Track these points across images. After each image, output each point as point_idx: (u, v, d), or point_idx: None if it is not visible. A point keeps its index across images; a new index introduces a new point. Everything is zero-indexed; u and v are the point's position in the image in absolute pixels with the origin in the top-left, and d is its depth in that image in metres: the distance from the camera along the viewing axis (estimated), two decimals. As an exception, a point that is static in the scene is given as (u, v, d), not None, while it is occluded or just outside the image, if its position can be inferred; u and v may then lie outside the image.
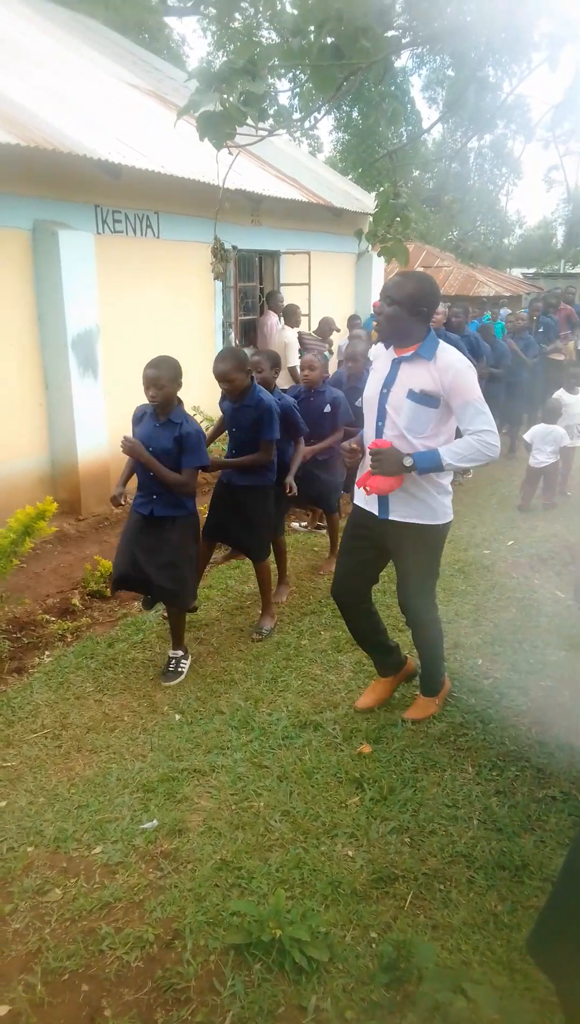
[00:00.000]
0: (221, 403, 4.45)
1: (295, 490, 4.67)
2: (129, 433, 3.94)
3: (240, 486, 4.40)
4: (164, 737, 3.58)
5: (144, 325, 7.81)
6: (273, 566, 4.99)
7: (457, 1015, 1.26)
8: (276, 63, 2.79)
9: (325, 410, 5.30)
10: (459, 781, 3.21)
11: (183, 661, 4.19)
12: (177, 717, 3.76)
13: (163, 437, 3.84)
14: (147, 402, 3.86)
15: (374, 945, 2.39)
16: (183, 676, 4.12)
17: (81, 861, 2.80)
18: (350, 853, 2.81)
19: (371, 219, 3.73)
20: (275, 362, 4.69)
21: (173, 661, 4.17)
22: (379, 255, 3.92)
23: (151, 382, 3.78)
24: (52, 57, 8.74)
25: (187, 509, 3.97)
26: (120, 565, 4.03)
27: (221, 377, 4.14)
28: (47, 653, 4.46)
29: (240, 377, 4.15)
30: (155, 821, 2.98)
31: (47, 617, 4.82)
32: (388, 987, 1.37)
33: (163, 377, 3.77)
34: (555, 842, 2.84)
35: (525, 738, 3.49)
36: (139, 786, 3.21)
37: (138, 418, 3.98)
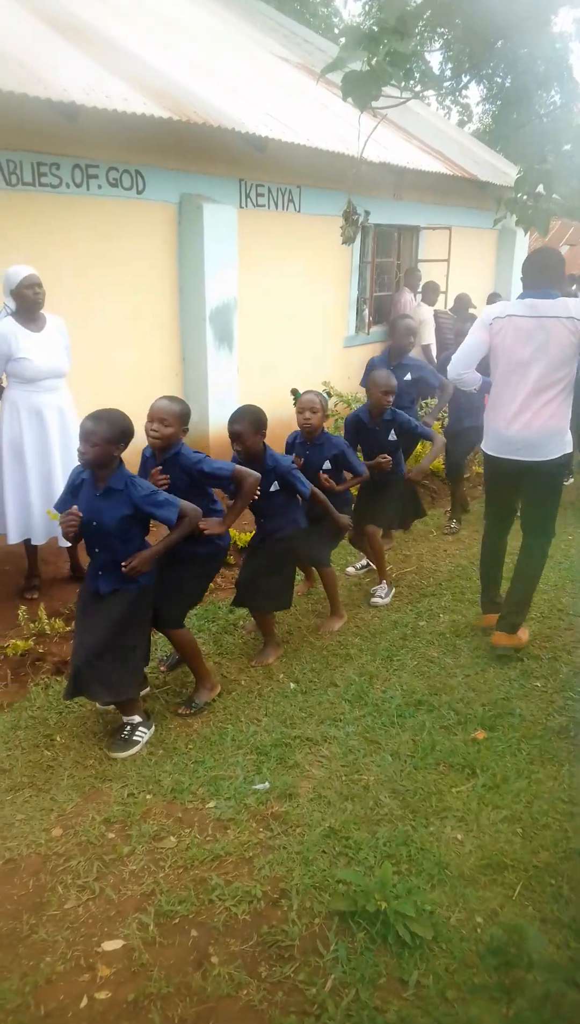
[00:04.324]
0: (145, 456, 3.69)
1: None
2: None
3: (188, 553, 3.50)
4: (278, 704, 3.65)
5: (280, 300, 7.86)
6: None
7: (570, 1007, 1.23)
8: (425, 22, 2.70)
9: (323, 467, 4.31)
10: (577, 777, 3.11)
11: (141, 728, 3.36)
12: (292, 686, 3.83)
13: (105, 510, 3.13)
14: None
15: (479, 930, 2.37)
16: (137, 748, 3.30)
17: (195, 813, 2.92)
18: (459, 837, 2.78)
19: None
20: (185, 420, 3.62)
21: (127, 728, 3.35)
22: (516, 224, 3.73)
23: (83, 437, 3.03)
24: (205, 30, 8.88)
25: (137, 583, 3.24)
26: (74, 659, 3.32)
27: (154, 416, 3.43)
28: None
29: (175, 426, 3.46)
30: (267, 783, 3.06)
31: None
32: (495, 970, 1.35)
33: (97, 433, 3.01)
34: None
35: None
36: (252, 748, 3.30)
37: (76, 484, 3.25)
